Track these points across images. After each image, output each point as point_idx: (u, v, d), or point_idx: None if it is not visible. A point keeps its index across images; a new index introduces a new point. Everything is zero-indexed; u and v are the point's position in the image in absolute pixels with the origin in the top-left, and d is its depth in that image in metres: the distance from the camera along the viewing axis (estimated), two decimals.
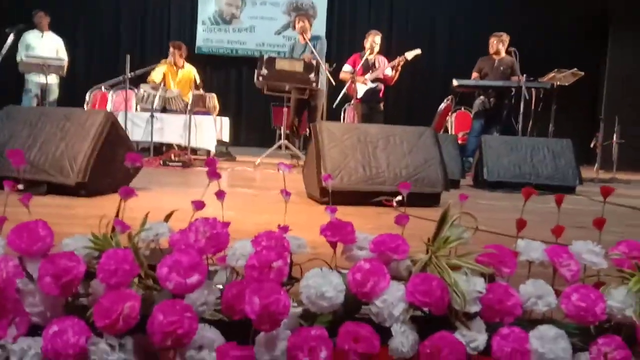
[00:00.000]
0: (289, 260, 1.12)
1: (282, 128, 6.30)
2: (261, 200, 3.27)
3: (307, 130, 6.55)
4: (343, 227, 1.11)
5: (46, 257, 1.02)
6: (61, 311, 1.01)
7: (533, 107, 5.75)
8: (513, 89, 5.84)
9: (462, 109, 7.56)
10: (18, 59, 6.28)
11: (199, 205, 1.15)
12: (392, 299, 1.03)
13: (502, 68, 6.10)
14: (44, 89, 6.47)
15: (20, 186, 3.35)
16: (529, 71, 5.74)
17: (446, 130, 7.24)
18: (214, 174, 1.17)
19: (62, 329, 0.96)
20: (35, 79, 6.46)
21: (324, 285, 1.01)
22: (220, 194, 1.18)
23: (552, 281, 1.09)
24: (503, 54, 6.16)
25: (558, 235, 1.23)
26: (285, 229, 1.15)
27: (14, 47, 5.97)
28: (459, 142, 6.31)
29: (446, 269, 1.04)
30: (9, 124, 3.13)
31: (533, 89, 5.74)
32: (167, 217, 1.17)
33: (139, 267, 1.04)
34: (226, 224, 1.12)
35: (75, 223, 2.15)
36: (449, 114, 7.12)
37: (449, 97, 6.52)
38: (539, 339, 0.99)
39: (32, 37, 6.58)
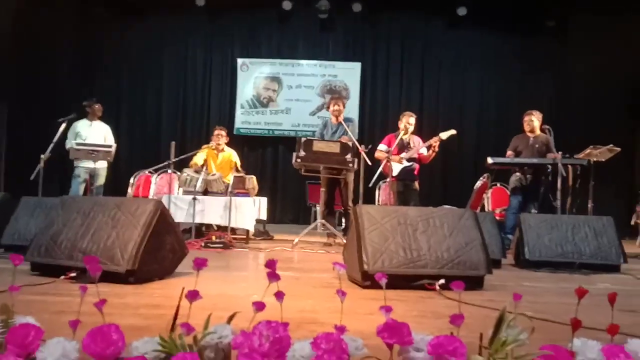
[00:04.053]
0: None
1: (317, 205, 6.42)
2: (303, 284, 3.30)
3: (341, 207, 6.65)
4: (400, 329, 1.14)
5: None
6: None
7: (570, 184, 5.72)
8: (549, 166, 5.84)
9: (499, 184, 7.57)
10: (67, 146, 6.55)
11: (259, 306, 1.20)
12: None
13: (537, 146, 6.14)
14: (93, 174, 6.77)
15: (73, 274, 3.43)
16: (564, 148, 5.76)
17: (483, 208, 7.23)
18: (274, 276, 1.22)
19: None
20: (84, 165, 6.75)
21: None
22: (279, 295, 1.23)
23: None
24: (538, 131, 6.22)
25: (613, 334, 1.23)
26: (342, 329, 1.19)
27: (64, 135, 6.27)
28: (497, 218, 6.29)
29: None
30: (64, 213, 3.29)
31: (570, 166, 5.73)
32: (230, 319, 1.22)
33: None
34: (285, 325, 1.16)
35: (127, 313, 2.21)
36: (486, 191, 7.12)
37: (485, 174, 6.54)
38: None
39: (82, 126, 6.94)
